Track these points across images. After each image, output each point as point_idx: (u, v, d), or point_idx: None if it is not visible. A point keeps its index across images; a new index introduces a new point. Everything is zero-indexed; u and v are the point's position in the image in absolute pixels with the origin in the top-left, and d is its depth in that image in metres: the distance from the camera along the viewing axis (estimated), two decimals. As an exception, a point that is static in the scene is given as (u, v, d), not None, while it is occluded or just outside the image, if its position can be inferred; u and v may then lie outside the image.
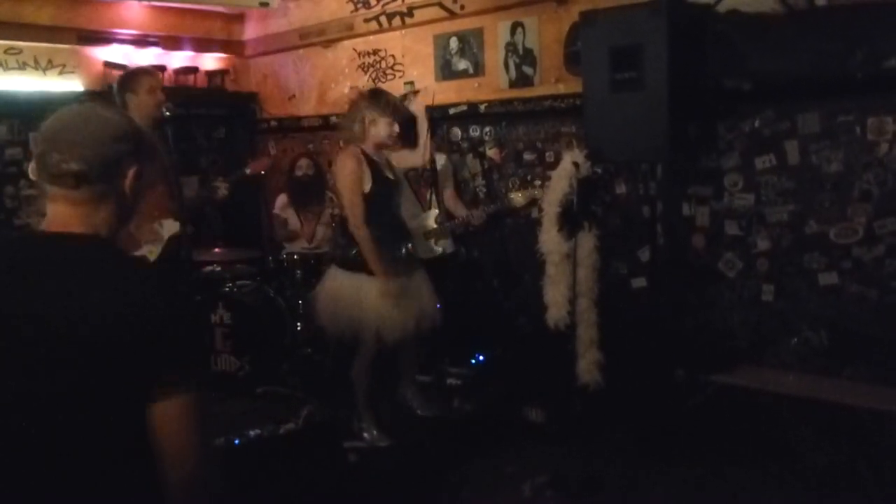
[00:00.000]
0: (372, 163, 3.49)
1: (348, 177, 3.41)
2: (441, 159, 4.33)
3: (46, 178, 1.32)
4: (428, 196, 4.26)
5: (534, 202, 3.88)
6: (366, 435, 3.61)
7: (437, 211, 4.24)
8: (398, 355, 3.86)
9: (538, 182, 4.21)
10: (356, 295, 3.45)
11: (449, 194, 4.31)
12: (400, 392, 3.97)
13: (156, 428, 1.26)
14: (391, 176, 3.60)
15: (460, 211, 4.29)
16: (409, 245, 3.66)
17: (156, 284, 1.32)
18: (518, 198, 4.00)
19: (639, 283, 4.00)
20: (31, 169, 1.37)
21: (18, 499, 1.24)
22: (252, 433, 2.77)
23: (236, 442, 2.73)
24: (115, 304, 1.24)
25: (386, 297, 3.38)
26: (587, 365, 3.42)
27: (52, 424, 1.23)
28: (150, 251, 3.82)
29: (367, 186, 3.42)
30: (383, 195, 3.49)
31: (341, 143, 4.02)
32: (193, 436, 1.29)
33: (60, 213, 1.33)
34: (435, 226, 4.23)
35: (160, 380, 1.26)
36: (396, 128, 3.55)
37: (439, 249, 4.23)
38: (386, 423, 3.70)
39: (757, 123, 3.55)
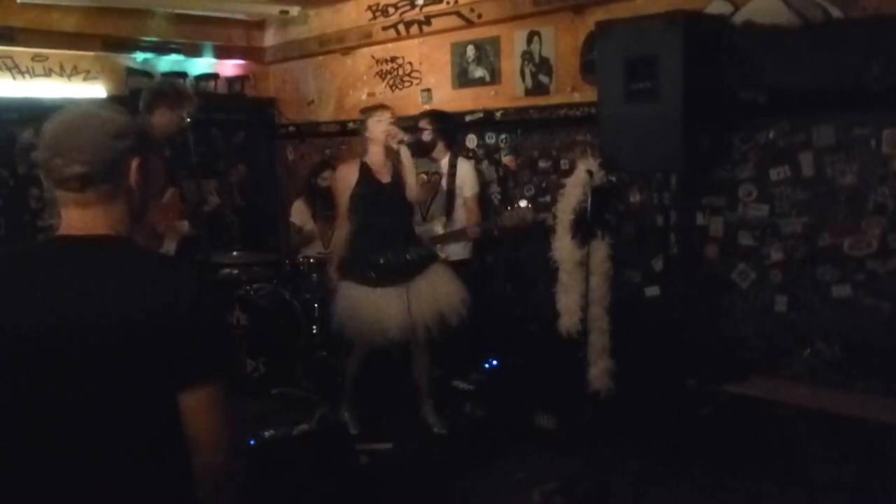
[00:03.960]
0: (366, 168, 3.68)
1: (336, 179, 3.86)
2: (464, 165, 4.30)
3: (54, 184, 1.35)
4: (430, 201, 4.29)
5: (524, 225, 3.90)
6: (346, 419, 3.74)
7: (445, 219, 4.27)
8: (413, 367, 3.90)
9: (528, 204, 4.12)
10: (351, 301, 3.64)
11: (468, 202, 4.22)
12: (421, 409, 3.97)
13: (187, 419, 1.30)
14: (387, 179, 3.68)
15: (467, 220, 4.21)
16: (400, 253, 3.66)
17: (181, 279, 1.34)
18: (507, 219, 4.00)
19: (652, 291, 4.01)
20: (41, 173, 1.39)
21: (56, 494, 1.28)
22: (266, 434, 2.82)
23: (251, 442, 2.78)
24: (142, 301, 1.27)
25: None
26: (599, 372, 3.42)
27: (88, 420, 1.27)
28: (170, 248, 3.91)
29: (352, 189, 3.67)
30: (371, 197, 3.64)
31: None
32: (223, 426, 1.32)
33: (74, 217, 1.35)
34: (441, 233, 4.26)
35: (190, 371, 1.29)
36: (386, 123, 3.64)
37: (443, 256, 4.25)
38: (368, 417, 3.85)
39: (772, 135, 3.56)
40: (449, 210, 4.26)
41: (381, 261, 3.61)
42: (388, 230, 3.65)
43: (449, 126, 4.37)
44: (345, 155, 5.64)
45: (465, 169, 4.28)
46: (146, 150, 1.41)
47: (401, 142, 3.63)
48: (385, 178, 3.69)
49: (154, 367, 1.27)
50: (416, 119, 4.46)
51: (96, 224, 1.34)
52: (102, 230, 1.34)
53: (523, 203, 4.03)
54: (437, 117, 4.35)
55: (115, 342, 1.25)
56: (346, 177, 3.70)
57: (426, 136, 4.24)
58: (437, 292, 3.64)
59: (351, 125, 5.57)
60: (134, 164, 1.38)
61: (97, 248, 1.33)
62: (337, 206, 3.79)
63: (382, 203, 3.66)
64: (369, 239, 3.64)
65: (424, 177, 4.29)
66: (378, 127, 3.65)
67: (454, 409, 4.03)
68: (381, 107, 3.78)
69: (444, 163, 4.27)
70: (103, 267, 1.31)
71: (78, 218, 1.34)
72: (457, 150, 4.44)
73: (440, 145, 4.27)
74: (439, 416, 3.89)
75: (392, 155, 3.74)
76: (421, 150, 4.24)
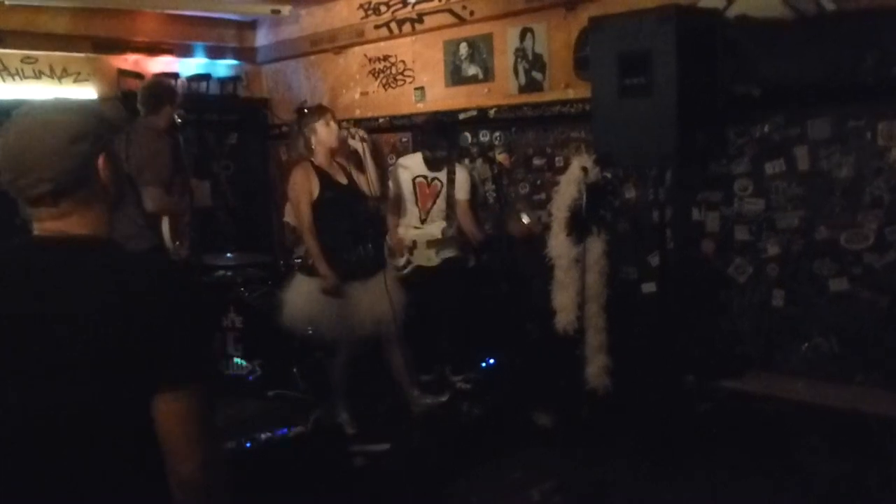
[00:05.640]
0: (321, 173, 3.66)
1: (296, 185, 3.65)
2: (461, 172, 4.36)
3: (24, 202, 1.29)
4: (430, 205, 4.32)
5: (532, 236, 3.93)
6: (343, 422, 3.72)
7: (445, 224, 4.29)
8: (386, 361, 3.91)
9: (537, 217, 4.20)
10: (315, 297, 3.62)
11: (462, 206, 4.31)
12: (407, 398, 3.99)
13: (159, 426, 1.24)
14: (344, 182, 3.72)
15: (468, 226, 4.30)
16: (366, 249, 3.72)
17: (156, 281, 1.29)
18: (515, 230, 4.03)
19: (648, 288, 3.99)
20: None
21: (48, 495, 1.25)
22: (262, 436, 2.80)
23: (247, 445, 2.76)
24: (117, 304, 1.23)
25: (327, 293, 3.56)
26: (596, 370, 3.42)
27: (63, 426, 1.23)
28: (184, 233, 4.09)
29: (315, 194, 3.62)
30: (333, 201, 3.65)
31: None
32: (198, 436, 1.26)
33: (51, 227, 1.30)
34: (440, 237, 4.26)
35: (162, 375, 1.24)
36: (334, 125, 3.70)
37: (438, 260, 4.28)
38: (364, 418, 3.82)
39: (767, 129, 3.55)
40: (449, 214, 4.30)
41: (352, 258, 3.65)
42: (348, 230, 3.68)
43: (456, 137, 4.49)
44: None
45: (461, 175, 4.35)
46: (108, 139, 1.34)
47: (363, 139, 3.68)
48: (341, 179, 3.73)
49: (129, 371, 1.22)
50: (426, 131, 4.43)
51: (73, 229, 1.30)
52: (79, 231, 1.31)
53: (525, 219, 4.04)
54: (450, 131, 4.41)
55: (89, 344, 1.21)
56: (305, 183, 3.64)
57: (442, 154, 4.27)
58: (385, 294, 3.68)
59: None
60: (101, 162, 1.32)
61: (72, 251, 1.29)
62: (299, 212, 3.67)
63: (344, 207, 3.69)
64: (333, 239, 3.64)
65: (424, 181, 4.32)
66: (327, 130, 3.66)
67: (452, 409, 4.01)
68: (324, 109, 3.80)
69: (444, 170, 4.31)
70: (77, 269, 1.27)
71: (55, 228, 1.30)
72: (453, 156, 4.48)
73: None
74: (430, 391, 3.93)
75: (338, 155, 3.79)
76: (438, 165, 4.29)
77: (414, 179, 4.31)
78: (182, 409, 1.25)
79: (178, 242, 4.03)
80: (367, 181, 3.73)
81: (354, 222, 3.71)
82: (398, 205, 4.36)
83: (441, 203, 4.31)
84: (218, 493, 1.30)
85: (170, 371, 1.24)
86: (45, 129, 1.27)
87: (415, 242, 4.31)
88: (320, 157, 3.69)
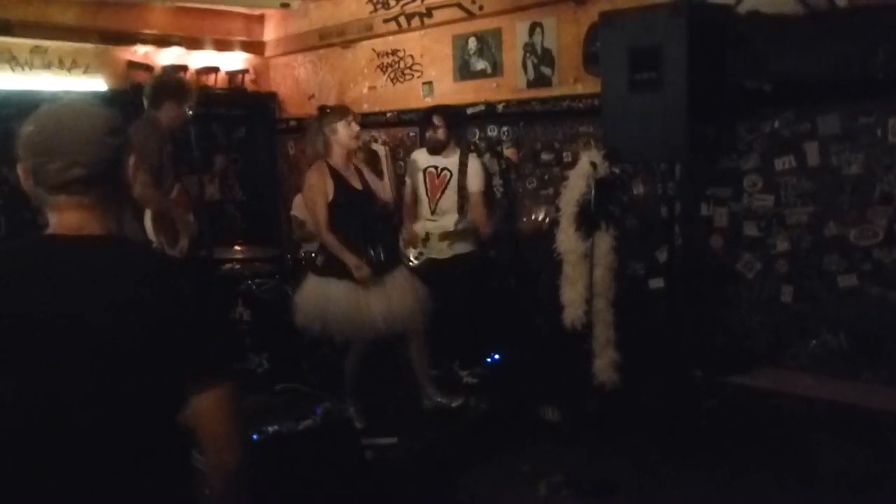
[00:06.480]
0: (336, 175, 3.66)
1: (312, 188, 3.65)
2: (474, 163, 4.33)
3: (49, 189, 1.27)
4: (439, 196, 4.31)
5: (540, 233, 3.92)
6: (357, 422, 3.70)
7: (458, 216, 4.28)
8: (407, 358, 3.93)
9: (545, 215, 4.19)
10: (329, 297, 3.63)
11: (475, 199, 4.27)
12: (421, 394, 4.00)
13: (200, 420, 1.28)
14: (358, 186, 3.73)
15: (479, 218, 4.26)
16: (377, 250, 3.72)
17: (182, 278, 1.32)
18: (526, 226, 4.04)
19: (656, 283, 4.00)
20: (22, 179, 1.30)
21: (61, 491, 1.25)
22: (270, 429, 2.81)
23: (255, 438, 2.76)
24: (145, 301, 1.24)
25: (362, 282, 3.57)
26: (603, 365, 3.42)
27: (87, 420, 1.24)
28: (184, 245, 4.01)
29: (330, 196, 3.62)
30: (347, 204, 3.65)
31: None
32: (232, 424, 1.31)
33: (70, 219, 1.29)
34: (452, 230, 4.27)
35: (195, 371, 1.27)
36: (355, 126, 3.70)
37: (450, 253, 4.28)
38: (373, 412, 3.83)
39: (777, 124, 3.54)
40: (461, 206, 4.28)
41: (364, 260, 3.64)
42: (360, 233, 3.68)
43: (459, 122, 4.44)
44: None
45: (473, 166, 4.31)
46: (129, 144, 1.37)
47: (384, 143, 3.69)
48: (356, 183, 3.73)
49: (155, 369, 1.24)
50: (424, 116, 4.43)
51: (92, 225, 1.29)
52: (98, 230, 1.30)
53: (542, 215, 4.03)
54: (449, 114, 4.37)
55: (115, 343, 1.22)
56: (321, 185, 3.63)
57: (441, 135, 4.27)
58: (404, 290, 3.71)
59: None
60: (131, 161, 1.34)
61: (95, 249, 1.29)
62: (315, 213, 3.66)
63: (357, 210, 3.69)
64: (344, 241, 3.63)
65: (434, 171, 4.32)
66: (348, 131, 3.66)
67: (460, 394, 4.02)
68: (347, 109, 3.80)
69: (454, 160, 4.29)
70: (101, 267, 1.27)
71: (75, 220, 1.29)
72: (464, 146, 4.46)
73: (451, 143, 4.31)
74: (445, 391, 3.93)
75: (354, 157, 3.81)
76: (435, 149, 4.30)
77: (424, 170, 4.32)
78: (224, 403, 1.29)
79: (161, 237, 3.89)
80: (384, 187, 3.77)
81: (366, 225, 3.71)
82: (414, 197, 4.38)
83: (451, 194, 4.28)
84: (247, 477, 1.36)
85: (207, 368, 1.28)
86: (82, 116, 1.29)
87: (428, 235, 4.32)
88: (336, 158, 3.68)
